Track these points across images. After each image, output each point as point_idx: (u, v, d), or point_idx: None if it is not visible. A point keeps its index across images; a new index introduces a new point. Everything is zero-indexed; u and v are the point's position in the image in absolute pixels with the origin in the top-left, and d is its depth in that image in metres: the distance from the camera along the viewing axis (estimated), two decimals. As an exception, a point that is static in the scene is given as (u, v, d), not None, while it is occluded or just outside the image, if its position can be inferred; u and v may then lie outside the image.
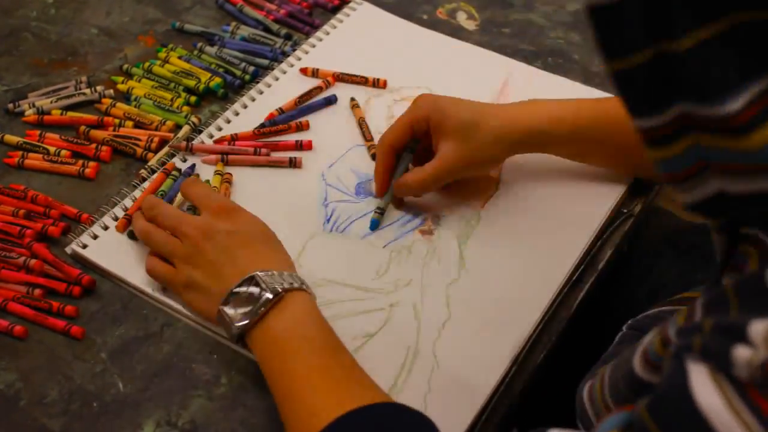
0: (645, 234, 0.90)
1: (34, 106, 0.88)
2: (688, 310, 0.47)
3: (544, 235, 0.80)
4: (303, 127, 0.89)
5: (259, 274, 0.65)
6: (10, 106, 0.89)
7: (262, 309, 0.64)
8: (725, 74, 0.39)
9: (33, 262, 0.74)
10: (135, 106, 0.89)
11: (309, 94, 0.91)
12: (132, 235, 0.76)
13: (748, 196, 0.41)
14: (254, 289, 0.65)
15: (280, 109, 0.90)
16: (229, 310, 0.65)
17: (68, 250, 0.76)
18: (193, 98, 0.91)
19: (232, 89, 0.93)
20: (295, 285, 0.66)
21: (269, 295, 0.64)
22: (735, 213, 0.44)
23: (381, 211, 0.80)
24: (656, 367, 0.52)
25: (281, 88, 0.93)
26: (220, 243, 0.69)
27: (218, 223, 0.70)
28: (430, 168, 0.78)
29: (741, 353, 0.38)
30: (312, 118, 0.90)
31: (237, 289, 0.66)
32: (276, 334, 0.64)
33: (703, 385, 0.40)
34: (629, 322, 0.75)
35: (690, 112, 0.41)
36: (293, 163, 0.84)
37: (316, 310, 0.67)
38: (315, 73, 0.93)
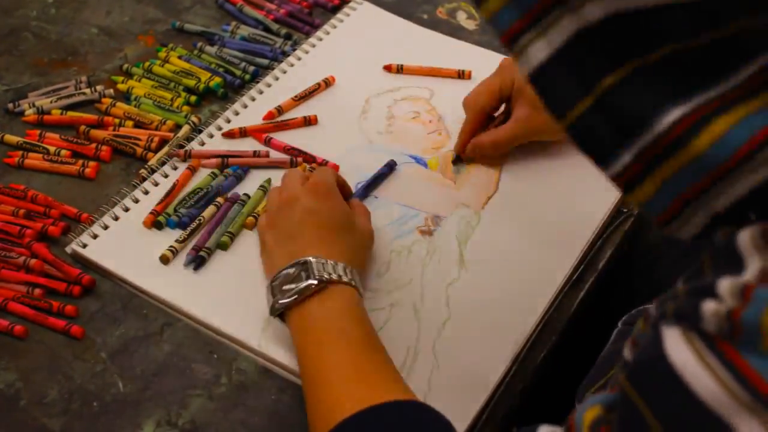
0: (645, 234, 0.89)
1: (34, 105, 0.88)
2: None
3: (543, 235, 0.80)
4: (311, 122, 0.89)
5: (311, 259, 0.67)
6: (10, 105, 0.89)
7: (305, 293, 0.66)
8: (653, 97, 0.40)
9: (33, 261, 0.74)
10: (135, 106, 0.89)
11: (310, 93, 0.91)
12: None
13: (735, 206, 0.42)
14: (302, 274, 0.67)
15: (279, 108, 0.90)
16: (277, 286, 0.67)
17: (68, 249, 0.76)
18: (193, 98, 0.91)
19: (232, 89, 0.93)
20: (344, 279, 0.67)
21: (314, 282, 0.66)
22: (735, 225, 0.44)
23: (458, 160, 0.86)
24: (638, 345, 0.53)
25: (281, 87, 0.93)
26: (295, 215, 0.71)
27: (305, 197, 0.72)
28: (504, 130, 0.83)
29: (708, 306, 0.39)
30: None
31: (286, 270, 0.67)
32: (314, 322, 0.66)
33: (676, 345, 0.41)
34: (623, 318, 0.75)
35: (642, 147, 0.42)
36: (294, 165, 0.85)
37: (360, 306, 0.68)
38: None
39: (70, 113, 0.88)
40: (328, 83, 0.93)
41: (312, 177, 0.75)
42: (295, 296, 0.66)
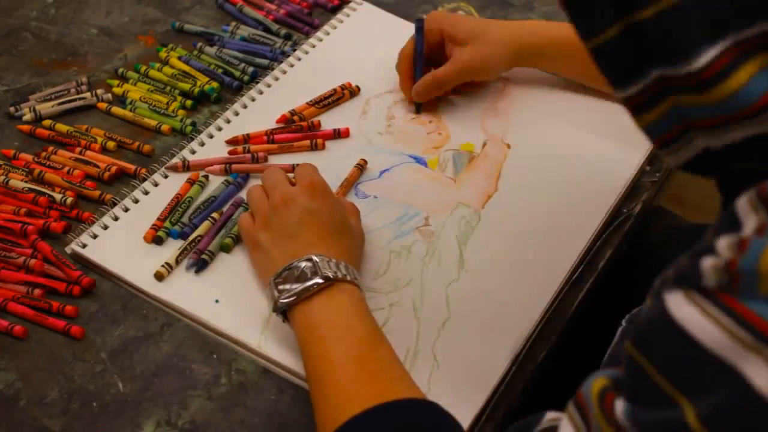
0: (648, 235, 0.90)
1: (34, 110, 0.88)
2: None
3: (544, 235, 0.80)
4: (315, 127, 0.88)
5: (315, 258, 0.67)
6: (11, 109, 0.89)
7: (310, 291, 0.66)
8: (688, 36, 0.42)
9: (33, 262, 0.74)
10: (130, 110, 0.89)
11: (327, 97, 0.91)
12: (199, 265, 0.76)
13: (728, 149, 0.45)
14: (308, 270, 0.67)
15: (293, 111, 0.89)
16: (280, 284, 0.67)
17: (68, 249, 0.76)
18: (189, 102, 0.91)
19: (231, 90, 0.93)
20: (348, 277, 0.67)
21: (319, 280, 0.66)
22: (722, 169, 0.47)
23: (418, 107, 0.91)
24: None
25: (281, 88, 0.93)
26: (294, 215, 0.71)
27: (302, 197, 0.72)
28: (444, 69, 0.88)
29: (706, 263, 0.41)
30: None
31: (291, 266, 0.67)
32: (319, 319, 0.66)
33: (679, 304, 0.42)
34: (627, 316, 0.75)
35: (663, 75, 0.44)
36: (315, 147, 0.85)
37: (364, 303, 0.68)
38: (247, 150, 0.85)
39: (59, 126, 0.87)
40: (353, 93, 0.93)
41: (304, 176, 0.75)
42: (299, 294, 0.66)
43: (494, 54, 0.89)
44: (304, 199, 0.72)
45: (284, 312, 0.68)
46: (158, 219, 0.79)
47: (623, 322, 0.74)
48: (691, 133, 0.46)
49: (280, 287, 0.67)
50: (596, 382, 0.48)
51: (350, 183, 0.84)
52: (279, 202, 0.73)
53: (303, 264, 0.67)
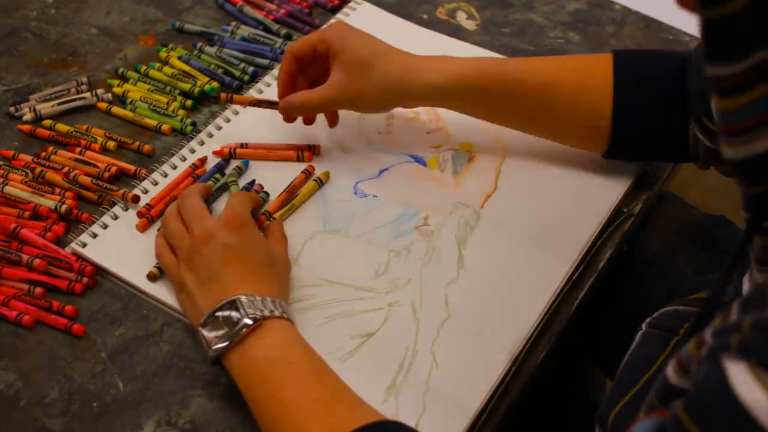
0: (659, 225, 0.88)
1: (34, 110, 0.88)
2: (724, 311, 0.47)
3: (543, 235, 0.80)
4: (303, 158, 0.86)
5: (241, 298, 0.65)
6: (12, 109, 0.89)
7: (240, 334, 0.63)
8: None
9: (36, 261, 0.74)
10: (130, 110, 0.89)
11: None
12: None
13: None
14: (234, 314, 0.64)
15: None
16: (207, 332, 0.65)
17: (68, 249, 0.77)
18: (189, 102, 0.91)
19: (231, 90, 0.93)
20: (276, 313, 0.65)
21: (248, 321, 0.64)
22: None
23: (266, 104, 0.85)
24: (688, 370, 0.51)
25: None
26: (215, 253, 0.68)
27: (221, 233, 0.69)
28: (316, 93, 0.80)
29: None
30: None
31: (217, 313, 0.65)
32: (257, 361, 0.63)
33: (744, 381, 0.39)
34: (647, 320, 0.74)
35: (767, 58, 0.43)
36: (301, 158, 0.85)
37: (298, 335, 0.66)
38: (233, 154, 0.85)
39: (59, 126, 0.87)
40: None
41: (225, 208, 0.72)
42: (231, 339, 0.63)
43: (369, 95, 0.80)
44: (224, 234, 0.69)
45: (218, 361, 0.65)
46: (146, 206, 0.79)
47: (643, 327, 0.73)
48: (766, 128, 0.45)
49: (209, 335, 0.64)
50: None
51: (293, 192, 0.81)
52: (199, 239, 0.69)
53: (228, 308, 0.65)
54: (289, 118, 0.85)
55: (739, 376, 0.40)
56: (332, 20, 1.01)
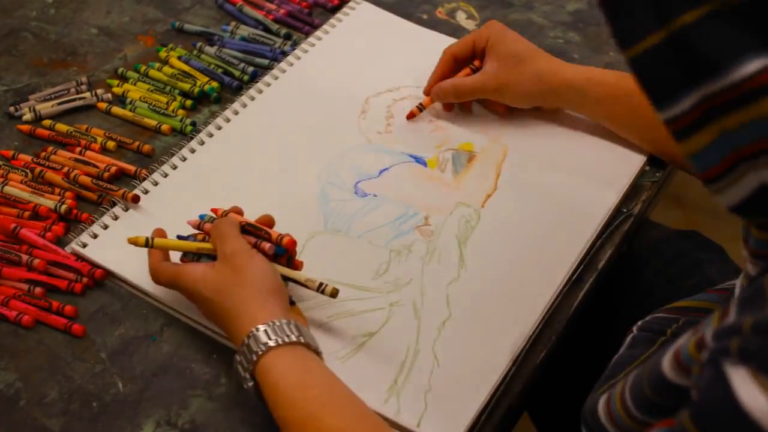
0: (645, 234, 0.89)
1: (34, 110, 0.88)
2: (722, 309, 0.46)
3: (543, 235, 0.80)
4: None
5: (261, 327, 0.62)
6: (11, 109, 0.89)
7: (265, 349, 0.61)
8: (733, 42, 0.39)
9: (37, 261, 0.74)
10: (130, 110, 0.89)
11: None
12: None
13: None
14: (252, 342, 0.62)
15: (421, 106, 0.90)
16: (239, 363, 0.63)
17: (68, 249, 0.76)
18: (188, 102, 0.91)
19: (231, 90, 0.93)
20: (293, 336, 0.63)
21: (271, 343, 0.62)
22: None
23: (421, 108, 0.90)
24: (688, 369, 0.51)
25: (281, 87, 0.93)
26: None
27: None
28: (470, 79, 0.87)
29: None
30: (312, 117, 0.90)
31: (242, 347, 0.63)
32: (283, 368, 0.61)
33: (747, 388, 0.39)
34: (639, 323, 0.74)
35: (708, 93, 0.41)
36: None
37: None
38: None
39: (59, 126, 0.87)
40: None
41: (220, 248, 0.69)
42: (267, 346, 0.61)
43: (521, 86, 0.85)
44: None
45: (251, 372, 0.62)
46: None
47: (634, 330, 0.73)
48: (743, 166, 0.42)
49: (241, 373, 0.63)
50: None
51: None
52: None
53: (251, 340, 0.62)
54: (448, 107, 0.90)
55: (741, 383, 0.40)
56: (332, 20, 1.01)
